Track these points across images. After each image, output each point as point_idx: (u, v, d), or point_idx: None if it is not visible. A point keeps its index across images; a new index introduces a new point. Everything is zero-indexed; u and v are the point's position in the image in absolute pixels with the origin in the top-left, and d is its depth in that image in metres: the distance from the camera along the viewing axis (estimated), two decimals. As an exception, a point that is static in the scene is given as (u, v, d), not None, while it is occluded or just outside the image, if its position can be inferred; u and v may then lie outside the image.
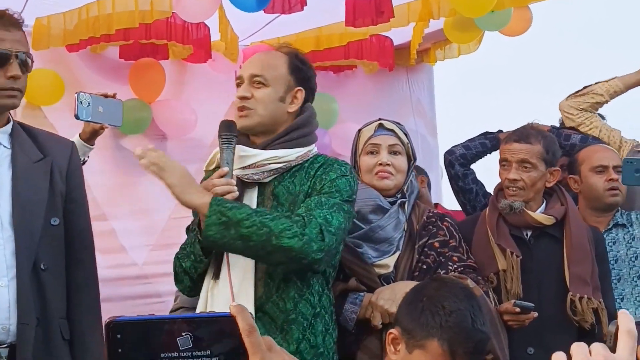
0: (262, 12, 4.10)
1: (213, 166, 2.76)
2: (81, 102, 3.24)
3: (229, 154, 2.57)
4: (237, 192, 2.52)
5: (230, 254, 2.54)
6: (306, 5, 4.02)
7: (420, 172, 4.94)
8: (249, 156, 2.62)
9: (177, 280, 2.73)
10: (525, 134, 3.27)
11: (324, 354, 2.58)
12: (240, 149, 2.62)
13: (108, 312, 4.62)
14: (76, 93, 3.26)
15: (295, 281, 2.55)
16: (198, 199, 2.40)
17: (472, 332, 2.14)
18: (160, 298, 4.81)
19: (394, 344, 2.20)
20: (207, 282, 2.61)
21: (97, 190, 4.75)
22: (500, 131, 4.14)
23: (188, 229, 2.74)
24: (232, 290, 2.47)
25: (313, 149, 2.73)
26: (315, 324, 2.57)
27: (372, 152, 2.99)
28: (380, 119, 3.07)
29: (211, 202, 2.37)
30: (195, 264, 2.60)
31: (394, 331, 2.20)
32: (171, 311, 3.76)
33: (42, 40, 4.47)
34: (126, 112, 4.79)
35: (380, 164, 2.95)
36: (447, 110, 6.67)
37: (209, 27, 4.68)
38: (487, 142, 4.16)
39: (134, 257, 4.86)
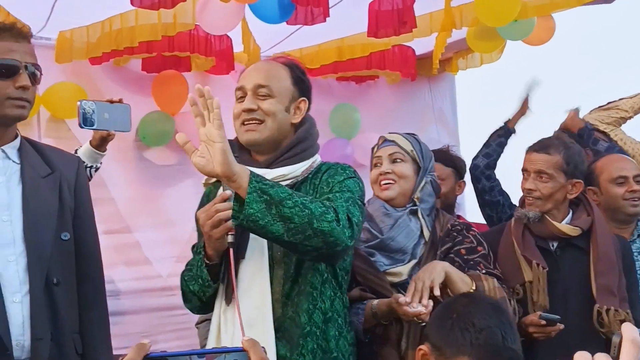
0: (284, 23, 4.11)
1: (212, 180, 2.71)
2: (84, 110, 3.18)
3: None
4: None
5: (242, 274, 2.45)
6: (329, 16, 4.02)
7: (461, 176, 4.87)
8: None
9: (186, 300, 2.64)
10: (546, 144, 3.24)
11: (337, 358, 2.53)
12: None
13: (133, 323, 4.68)
14: (78, 102, 3.20)
15: (310, 292, 2.49)
16: (241, 170, 2.23)
17: (502, 350, 2.11)
18: (184, 310, 4.74)
19: None
20: (219, 305, 2.52)
21: (121, 203, 4.79)
22: (506, 122, 4.21)
23: (194, 250, 2.61)
24: (240, 320, 2.32)
25: (317, 159, 2.66)
26: (327, 329, 2.51)
27: (376, 165, 3.02)
28: (382, 135, 3.10)
29: (250, 178, 2.22)
30: (204, 288, 2.51)
31: (423, 347, 2.17)
32: (197, 323, 3.76)
33: (65, 54, 4.51)
34: (149, 124, 4.84)
35: (381, 173, 2.96)
36: (469, 119, 6.63)
37: (231, 39, 4.71)
38: (503, 139, 4.27)
39: (159, 269, 4.88)
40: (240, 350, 1.09)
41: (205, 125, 2.21)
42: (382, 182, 2.95)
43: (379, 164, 3.00)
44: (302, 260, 2.49)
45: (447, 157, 4.20)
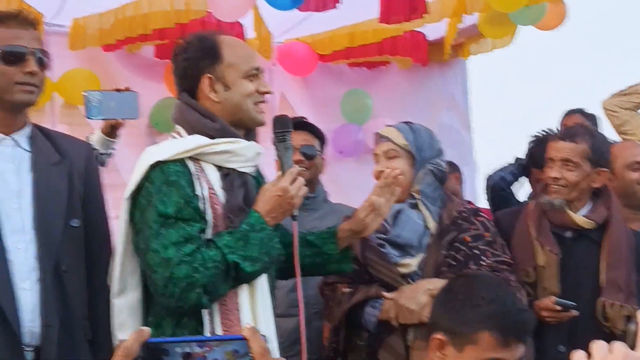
0: (296, 10, 4.12)
1: (187, 155, 2.43)
2: (90, 101, 3.20)
3: (289, 152, 2.49)
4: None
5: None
6: (340, 2, 4.03)
7: (455, 169, 4.88)
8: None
9: (209, 291, 2.32)
10: (572, 132, 3.21)
11: None
12: (257, 147, 2.52)
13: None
14: (84, 93, 3.21)
15: None
16: None
17: (518, 314, 2.14)
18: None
19: (439, 349, 2.17)
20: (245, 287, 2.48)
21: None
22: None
23: (247, 229, 2.39)
24: (299, 296, 2.46)
25: None
26: None
27: (376, 162, 3.01)
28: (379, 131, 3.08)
29: None
30: (270, 264, 2.46)
31: (437, 336, 2.18)
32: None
33: (79, 41, 4.54)
34: (162, 110, 4.86)
35: (379, 171, 2.90)
36: (480, 105, 6.63)
37: (243, 26, 4.71)
38: (517, 172, 4.34)
39: (170, 254, 4.90)
40: (241, 338, 1.09)
41: (380, 197, 2.60)
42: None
43: (378, 162, 2.98)
44: None
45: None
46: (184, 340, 1.08)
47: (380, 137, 3.01)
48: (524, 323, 2.16)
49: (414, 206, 2.91)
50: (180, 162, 2.36)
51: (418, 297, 2.70)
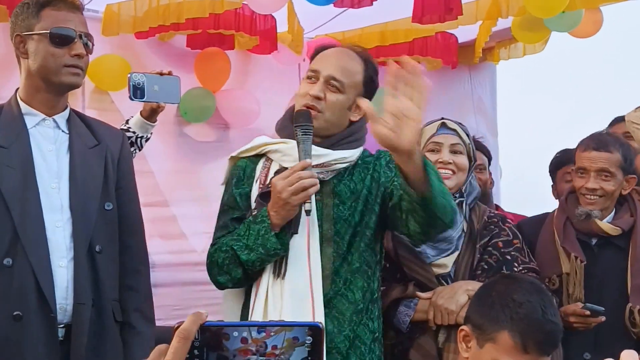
0: (330, 5, 4.11)
1: (252, 153, 2.71)
2: (135, 82, 3.22)
3: (309, 145, 2.47)
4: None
5: (294, 249, 2.51)
6: (376, 0, 4.02)
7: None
8: (318, 155, 2.53)
9: (222, 273, 2.59)
10: (604, 141, 3.20)
11: (379, 339, 2.62)
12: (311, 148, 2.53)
13: (166, 296, 4.71)
14: (129, 74, 3.24)
15: (366, 270, 2.56)
16: (418, 151, 2.26)
17: (543, 323, 2.13)
18: (217, 286, 4.86)
19: (465, 342, 2.20)
20: (267, 278, 2.54)
21: (160, 176, 4.84)
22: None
23: (251, 221, 2.56)
24: (312, 290, 2.44)
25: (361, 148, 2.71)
26: (373, 309, 2.60)
27: (433, 150, 2.95)
28: (443, 118, 3.04)
29: (422, 157, 2.27)
30: (267, 257, 2.49)
31: (465, 328, 2.20)
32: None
33: (112, 27, 4.55)
34: (190, 100, 4.88)
35: (442, 162, 2.91)
36: (508, 110, 6.58)
37: (275, 19, 4.71)
38: None
39: (194, 243, 4.91)
40: (302, 325, 1.05)
41: (394, 98, 2.14)
42: (441, 171, 2.86)
43: (436, 150, 2.95)
44: (355, 239, 2.55)
45: (483, 147, 4.20)
46: (243, 324, 1.05)
47: (444, 127, 2.99)
48: (547, 333, 2.14)
49: (460, 204, 2.92)
50: (248, 158, 2.71)
51: (457, 297, 2.70)
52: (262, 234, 2.47)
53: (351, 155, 2.60)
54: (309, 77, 2.62)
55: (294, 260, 2.50)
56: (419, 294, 2.80)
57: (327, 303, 2.49)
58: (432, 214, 2.33)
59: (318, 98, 2.55)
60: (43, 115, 2.54)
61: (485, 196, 4.10)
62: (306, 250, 2.50)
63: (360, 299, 2.54)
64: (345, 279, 2.54)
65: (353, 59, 2.65)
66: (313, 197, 2.47)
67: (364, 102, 2.22)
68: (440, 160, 2.91)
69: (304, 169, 2.39)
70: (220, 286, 2.68)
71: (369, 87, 2.65)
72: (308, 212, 2.44)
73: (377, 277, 2.63)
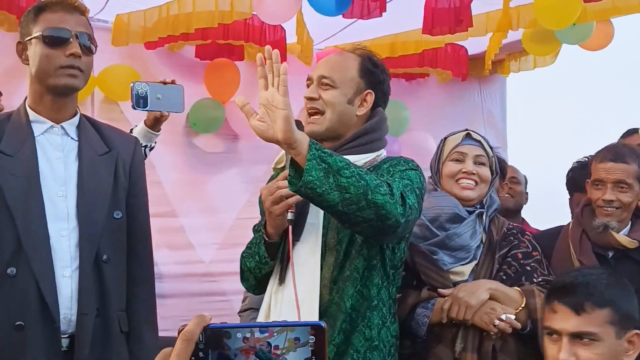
0: (340, 16, 4.10)
1: (281, 165, 2.77)
2: (137, 92, 3.21)
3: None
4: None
5: (295, 257, 2.48)
6: (385, 11, 4.01)
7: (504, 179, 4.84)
8: None
9: (243, 279, 2.73)
10: (621, 153, 3.16)
11: (379, 347, 2.53)
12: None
13: (173, 307, 4.70)
14: (132, 83, 3.22)
15: (356, 277, 2.50)
16: (302, 137, 2.18)
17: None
18: (224, 297, 4.86)
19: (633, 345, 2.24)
20: (272, 284, 2.58)
21: (168, 186, 4.84)
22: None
23: (255, 229, 2.70)
24: (296, 297, 2.41)
25: (382, 153, 2.65)
26: (372, 317, 2.52)
27: (457, 160, 2.94)
28: (467, 130, 3.04)
29: (310, 145, 2.17)
30: (260, 265, 2.57)
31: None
32: (240, 312, 3.77)
33: (122, 37, 4.56)
34: (200, 110, 4.88)
35: (465, 172, 2.90)
36: (517, 123, 6.57)
37: (285, 30, 4.71)
38: None
39: (201, 254, 4.92)
40: (303, 325, 1.08)
41: (267, 89, 2.18)
42: (464, 181, 2.89)
43: (460, 160, 2.93)
44: (351, 246, 2.51)
45: (502, 160, 4.18)
46: (246, 325, 1.07)
47: (469, 138, 2.98)
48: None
49: (479, 215, 2.91)
50: (280, 169, 2.70)
51: (479, 293, 2.66)
52: (257, 242, 2.58)
53: (356, 160, 2.51)
54: (307, 87, 2.63)
55: (296, 267, 2.48)
56: (441, 290, 2.76)
57: (324, 312, 2.48)
58: (320, 203, 2.25)
59: (313, 99, 2.56)
60: (51, 123, 2.51)
61: (516, 211, 4.11)
62: (306, 259, 2.49)
63: (351, 307, 2.49)
64: (339, 287, 2.50)
65: (344, 56, 2.65)
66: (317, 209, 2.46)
67: (239, 99, 2.21)
68: (464, 170, 2.91)
69: (285, 179, 2.37)
70: (247, 285, 2.78)
71: (368, 79, 2.61)
72: (290, 222, 2.44)
73: (376, 284, 2.55)
